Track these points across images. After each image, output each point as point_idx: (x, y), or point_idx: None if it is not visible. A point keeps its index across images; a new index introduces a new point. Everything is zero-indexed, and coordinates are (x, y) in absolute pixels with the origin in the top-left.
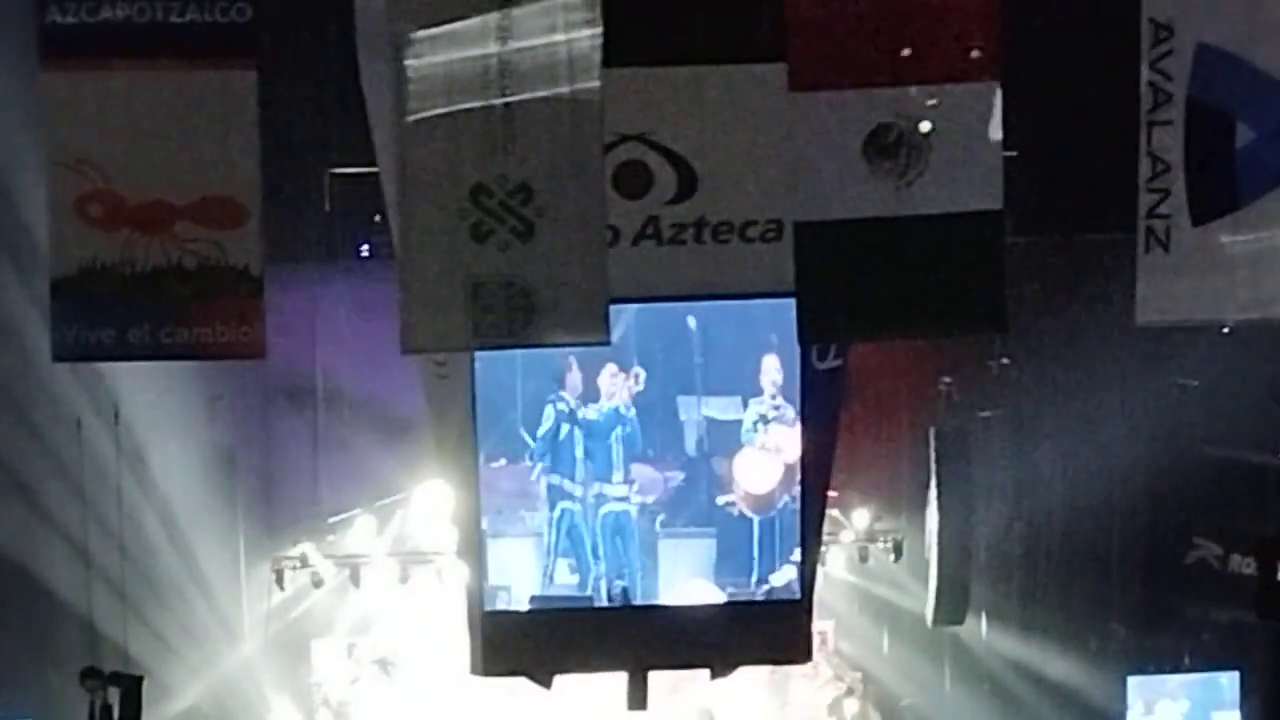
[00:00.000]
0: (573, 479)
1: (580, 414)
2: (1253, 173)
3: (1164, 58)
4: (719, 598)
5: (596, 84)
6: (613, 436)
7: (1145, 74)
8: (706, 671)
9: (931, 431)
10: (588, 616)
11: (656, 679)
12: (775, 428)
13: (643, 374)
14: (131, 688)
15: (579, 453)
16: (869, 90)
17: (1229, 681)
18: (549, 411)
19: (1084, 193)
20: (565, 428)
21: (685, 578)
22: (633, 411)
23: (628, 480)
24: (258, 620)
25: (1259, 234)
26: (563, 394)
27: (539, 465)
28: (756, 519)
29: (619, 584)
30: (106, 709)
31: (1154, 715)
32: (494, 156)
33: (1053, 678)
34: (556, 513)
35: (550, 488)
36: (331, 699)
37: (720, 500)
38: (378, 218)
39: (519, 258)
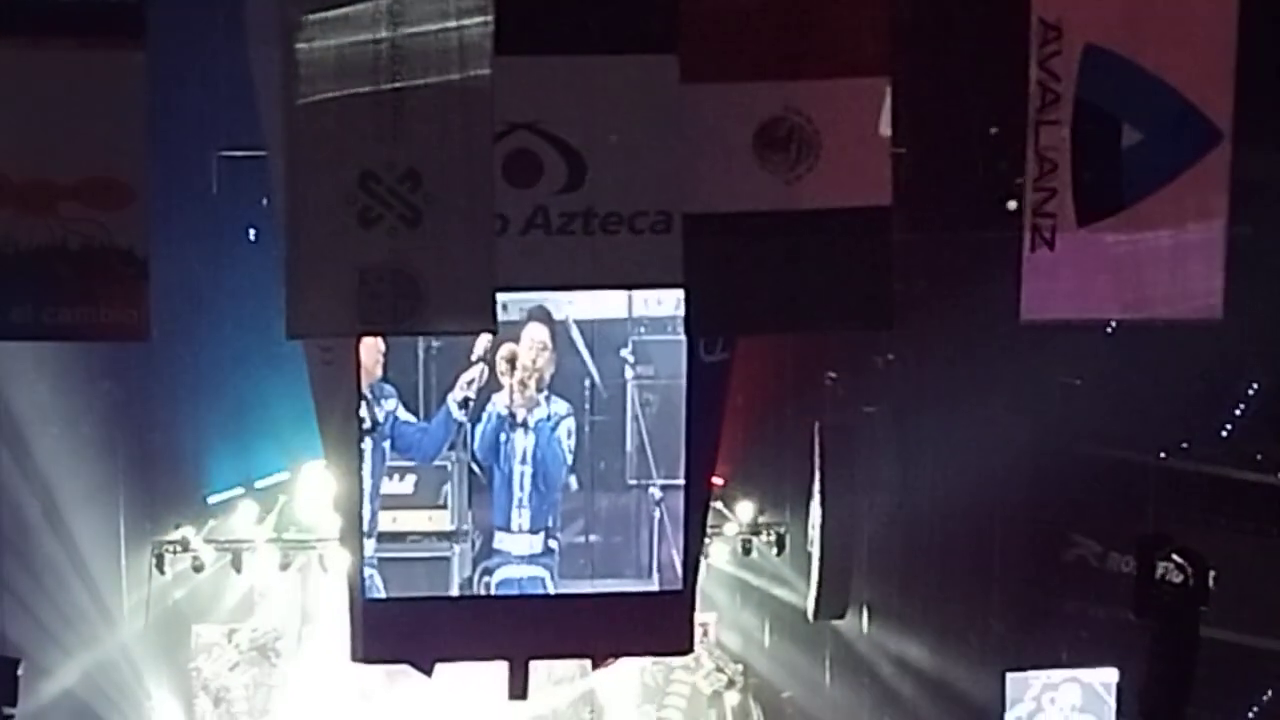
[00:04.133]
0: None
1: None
2: (1138, 173)
3: (1052, 58)
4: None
5: (487, 72)
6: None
7: (1034, 73)
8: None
9: (817, 426)
10: (469, 605)
11: (541, 669)
12: None
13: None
14: (7, 671)
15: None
16: (760, 83)
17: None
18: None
19: (972, 190)
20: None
21: None
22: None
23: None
24: (137, 604)
25: (1143, 234)
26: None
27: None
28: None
29: None
30: None
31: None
32: (383, 142)
33: (932, 673)
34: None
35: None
36: (211, 684)
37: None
38: (265, 201)
39: (406, 245)
